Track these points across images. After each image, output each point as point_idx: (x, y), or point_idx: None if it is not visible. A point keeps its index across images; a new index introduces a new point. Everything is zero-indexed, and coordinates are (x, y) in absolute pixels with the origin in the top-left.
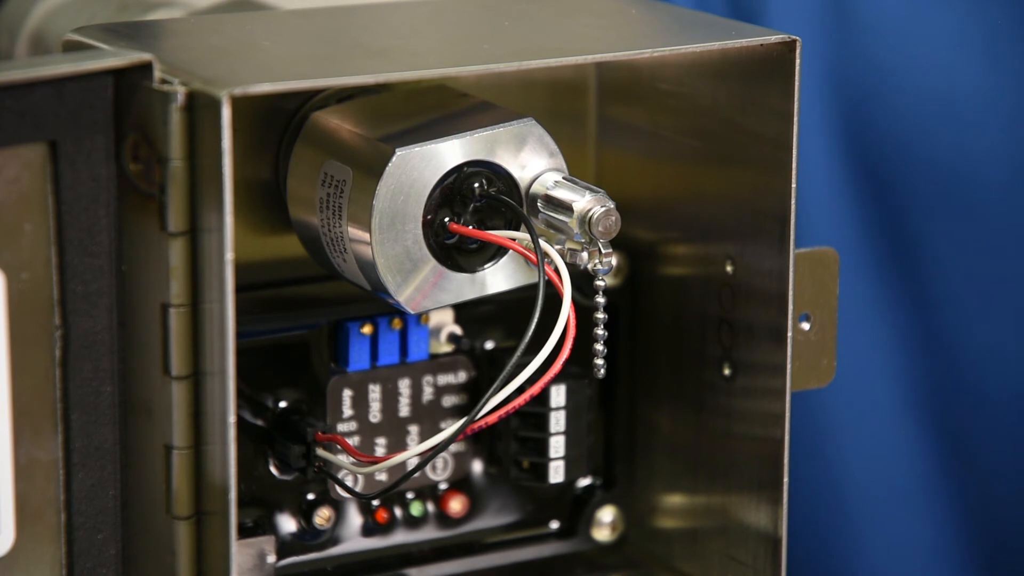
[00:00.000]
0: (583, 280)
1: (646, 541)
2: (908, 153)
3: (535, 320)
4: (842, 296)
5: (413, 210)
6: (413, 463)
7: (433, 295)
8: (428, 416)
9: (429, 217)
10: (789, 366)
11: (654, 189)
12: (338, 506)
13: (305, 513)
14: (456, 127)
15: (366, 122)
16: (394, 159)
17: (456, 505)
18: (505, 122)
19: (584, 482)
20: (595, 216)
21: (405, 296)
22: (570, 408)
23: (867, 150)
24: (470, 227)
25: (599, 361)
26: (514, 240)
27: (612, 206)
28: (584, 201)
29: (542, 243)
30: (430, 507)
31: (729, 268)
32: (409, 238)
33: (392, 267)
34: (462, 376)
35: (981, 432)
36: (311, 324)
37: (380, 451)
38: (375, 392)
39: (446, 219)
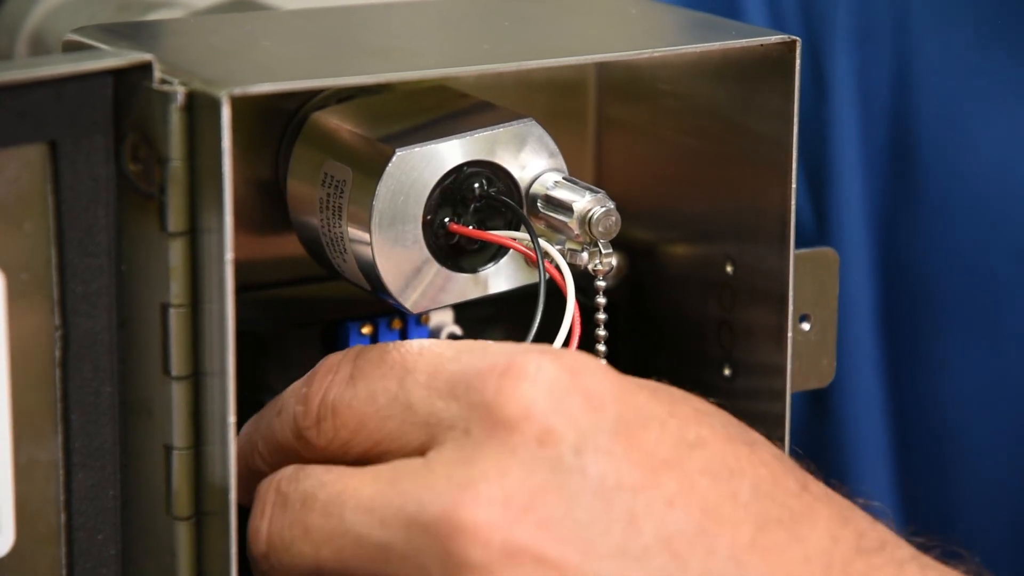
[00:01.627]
0: (584, 280)
1: None
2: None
3: (537, 320)
4: None
5: (413, 210)
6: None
7: (433, 295)
8: None
9: (429, 217)
10: (789, 367)
11: (654, 189)
12: None
13: None
14: (456, 127)
15: (366, 122)
16: (394, 159)
17: None
18: (505, 122)
19: None
20: (595, 216)
21: (405, 296)
22: None
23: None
24: (470, 227)
25: None
26: (515, 240)
27: (612, 206)
28: (584, 201)
29: (542, 243)
30: None
31: (729, 268)
32: (409, 238)
33: (392, 267)
34: None
35: (976, 435)
36: (311, 324)
37: None
38: None
39: (446, 219)
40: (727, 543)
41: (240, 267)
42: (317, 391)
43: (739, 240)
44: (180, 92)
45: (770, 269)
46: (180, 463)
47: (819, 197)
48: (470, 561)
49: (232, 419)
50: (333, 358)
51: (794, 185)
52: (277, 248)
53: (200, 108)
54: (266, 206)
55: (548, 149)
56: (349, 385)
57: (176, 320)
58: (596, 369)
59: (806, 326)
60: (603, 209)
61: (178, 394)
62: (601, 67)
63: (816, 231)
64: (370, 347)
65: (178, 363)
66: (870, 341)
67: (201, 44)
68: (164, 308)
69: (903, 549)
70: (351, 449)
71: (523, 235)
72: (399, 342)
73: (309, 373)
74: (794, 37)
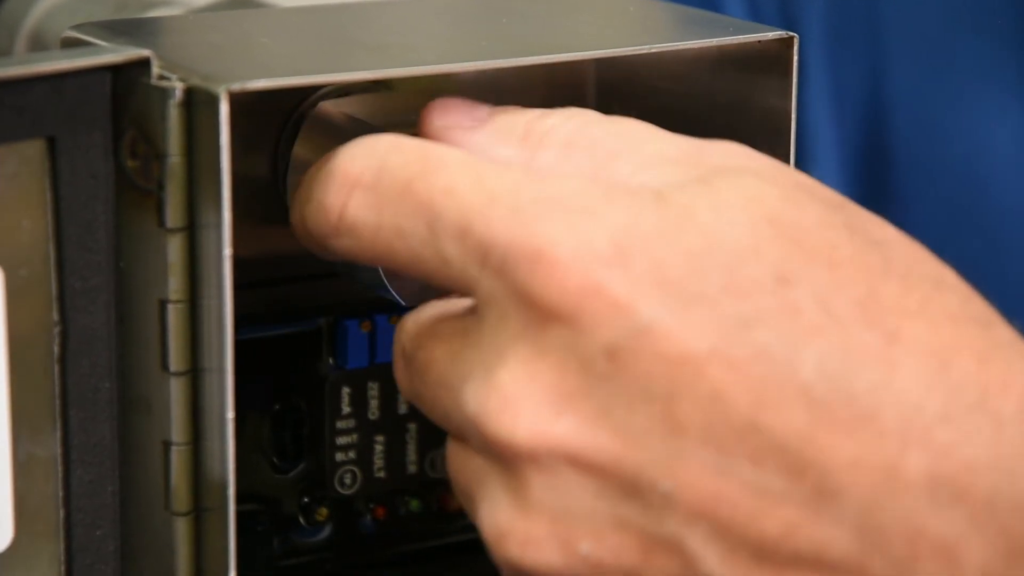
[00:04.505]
0: None
1: None
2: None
3: None
4: None
5: None
6: None
7: (432, 291)
8: None
9: None
10: None
11: None
12: (337, 504)
13: (304, 510)
14: None
15: (365, 119)
16: None
17: (457, 502)
18: None
19: None
20: None
21: (404, 292)
22: None
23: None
24: None
25: None
26: None
27: None
28: None
29: None
30: (430, 505)
31: None
32: None
33: None
34: None
35: None
36: (310, 321)
37: (379, 448)
38: (374, 390)
39: None
40: (781, 434)
41: (238, 263)
42: (335, 203)
43: None
44: (178, 88)
45: None
46: (179, 459)
47: None
48: (509, 464)
49: (231, 415)
50: (349, 159)
51: None
52: (276, 245)
53: (198, 104)
54: (265, 202)
55: None
56: (372, 209)
57: (175, 316)
58: (638, 241)
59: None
60: None
61: (177, 390)
62: (599, 64)
63: None
64: (393, 159)
65: (177, 359)
66: None
67: (199, 40)
68: (163, 304)
69: None
70: (375, 261)
71: None
72: (424, 165)
73: (328, 163)
74: (791, 34)
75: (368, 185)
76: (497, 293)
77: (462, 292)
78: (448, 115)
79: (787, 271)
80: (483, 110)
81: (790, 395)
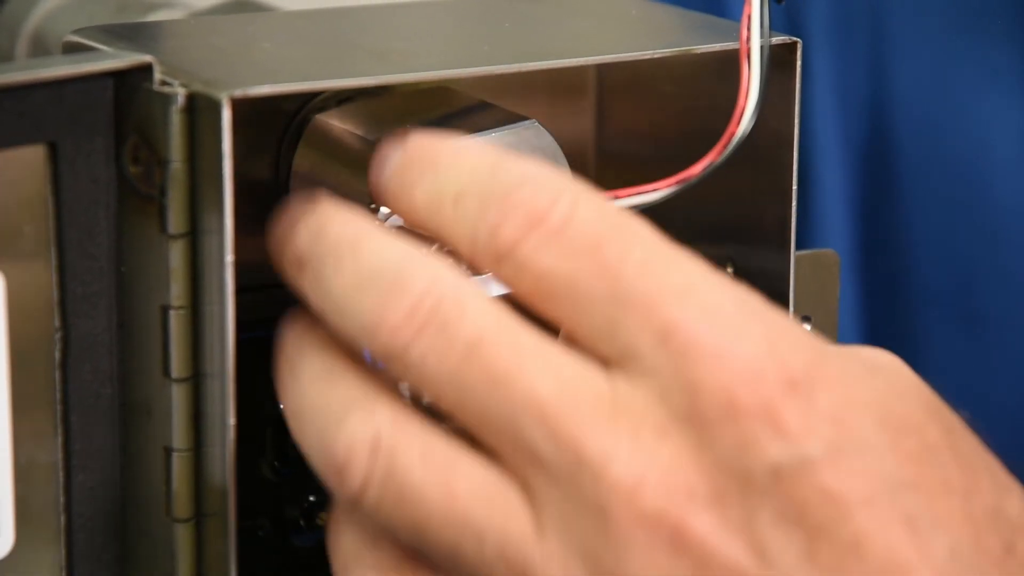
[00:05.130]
0: None
1: None
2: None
3: None
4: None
5: None
6: None
7: None
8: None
9: None
10: None
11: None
12: None
13: (307, 514)
14: (459, 130)
15: (367, 125)
16: None
17: None
18: (508, 124)
19: None
20: None
21: None
22: None
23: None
24: None
25: None
26: None
27: None
28: None
29: None
30: None
31: (729, 270)
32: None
33: None
34: None
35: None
36: None
37: None
38: None
39: None
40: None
41: (240, 269)
42: (509, 235)
43: (739, 241)
44: (180, 94)
45: (771, 270)
46: (180, 465)
47: (801, 191)
48: (631, 538)
49: (232, 421)
50: (536, 194)
51: (795, 186)
52: None
53: (201, 110)
54: (267, 208)
55: (550, 151)
56: (555, 254)
57: (176, 322)
58: (823, 380)
59: (807, 327)
60: None
61: (178, 396)
62: (601, 69)
63: (800, 224)
64: (585, 215)
65: (178, 365)
66: (851, 331)
67: (202, 45)
68: (164, 310)
69: None
70: (523, 299)
71: None
72: (619, 232)
73: (502, 185)
74: (795, 39)
75: (554, 229)
76: (667, 374)
77: (612, 354)
78: None
79: (940, 456)
80: None
81: (919, 565)
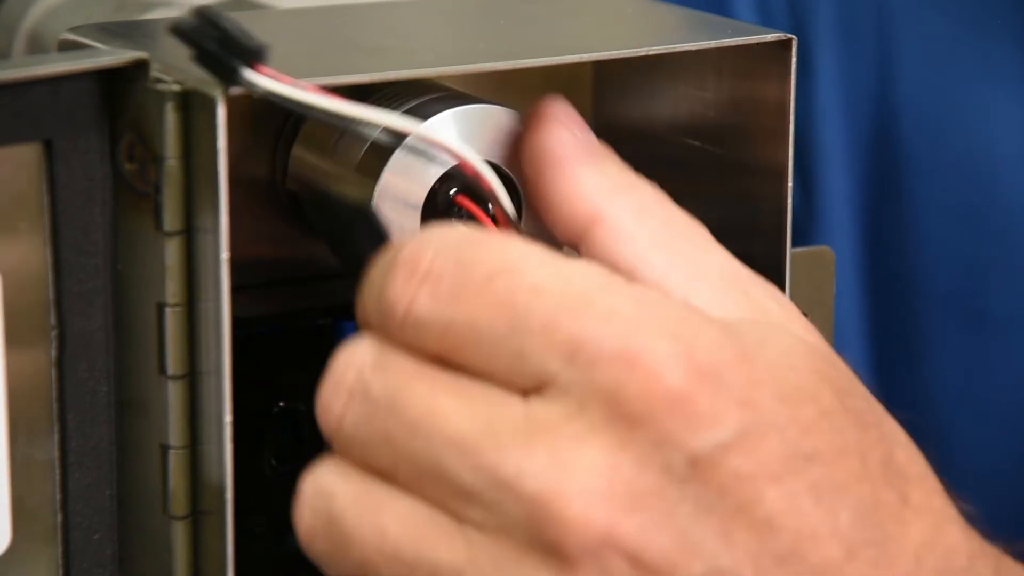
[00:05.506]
0: None
1: None
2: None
3: None
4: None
5: (413, 204)
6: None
7: None
8: None
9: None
10: None
11: None
12: None
13: None
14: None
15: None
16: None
17: None
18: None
19: None
20: None
21: None
22: None
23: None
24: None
25: None
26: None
27: None
28: None
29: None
30: None
31: None
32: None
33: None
34: None
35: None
36: (308, 323)
37: None
38: None
39: (452, 191)
40: (816, 569)
41: (236, 266)
42: (401, 296)
43: (735, 238)
44: (175, 91)
45: (766, 267)
46: (176, 462)
47: (807, 189)
48: (561, 550)
49: (228, 418)
50: (416, 251)
51: (790, 183)
52: (273, 247)
53: (196, 107)
54: (263, 205)
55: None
56: (446, 302)
57: (172, 319)
58: (725, 363)
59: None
60: None
61: (174, 393)
62: (598, 66)
63: (804, 223)
64: (469, 256)
65: (174, 362)
66: (857, 332)
67: None
68: (160, 307)
69: (987, 561)
70: (438, 355)
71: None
72: (504, 262)
73: (394, 254)
74: (790, 36)
75: (439, 279)
76: (582, 387)
77: (528, 384)
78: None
79: (834, 420)
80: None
81: (827, 532)
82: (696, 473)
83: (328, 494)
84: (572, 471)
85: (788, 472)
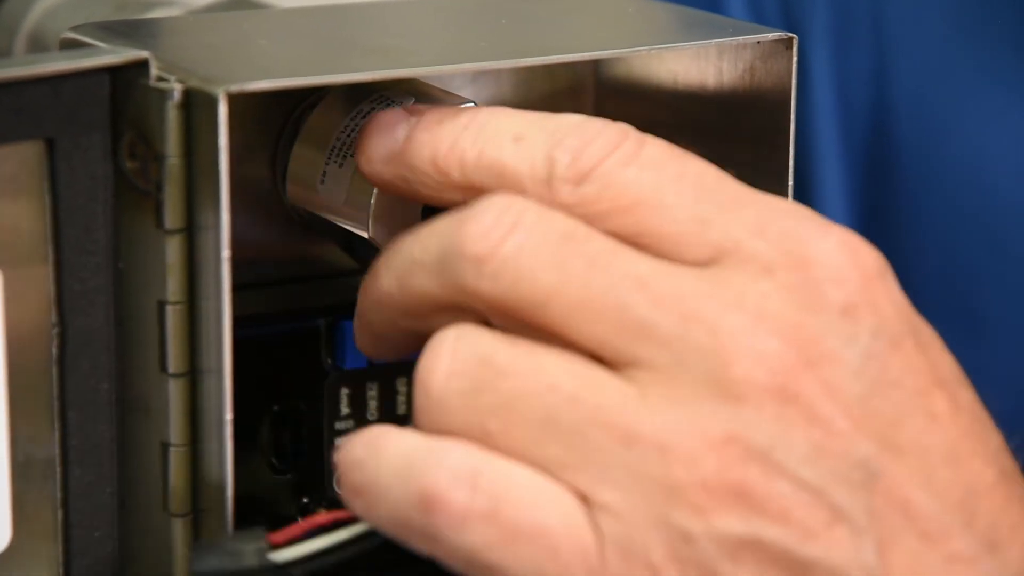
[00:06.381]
0: None
1: None
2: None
3: None
4: None
5: (412, 204)
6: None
7: None
8: None
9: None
10: None
11: None
12: (335, 505)
13: (302, 511)
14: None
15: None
16: None
17: None
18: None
19: None
20: None
21: None
22: None
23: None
24: None
25: None
26: None
27: None
28: None
29: None
30: None
31: None
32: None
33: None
34: None
35: None
36: (309, 322)
37: None
38: (373, 390)
39: None
40: (972, 476)
41: (237, 265)
42: (593, 155)
43: None
44: (177, 89)
45: None
46: (177, 460)
47: (801, 191)
48: (741, 388)
49: (229, 416)
50: (598, 124)
51: (791, 182)
52: (274, 246)
53: (197, 105)
54: (264, 203)
55: None
56: (635, 167)
57: (173, 317)
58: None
59: None
60: None
61: (175, 391)
62: (599, 65)
63: None
64: (653, 142)
65: (175, 360)
66: None
67: (198, 42)
68: (161, 305)
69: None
70: (603, 222)
71: None
72: (680, 153)
73: (562, 131)
74: (790, 35)
75: (634, 149)
76: (769, 254)
77: (697, 256)
78: None
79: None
80: None
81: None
82: (878, 348)
83: (477, 339)
84: (760, 316)
85: (951, 380)
